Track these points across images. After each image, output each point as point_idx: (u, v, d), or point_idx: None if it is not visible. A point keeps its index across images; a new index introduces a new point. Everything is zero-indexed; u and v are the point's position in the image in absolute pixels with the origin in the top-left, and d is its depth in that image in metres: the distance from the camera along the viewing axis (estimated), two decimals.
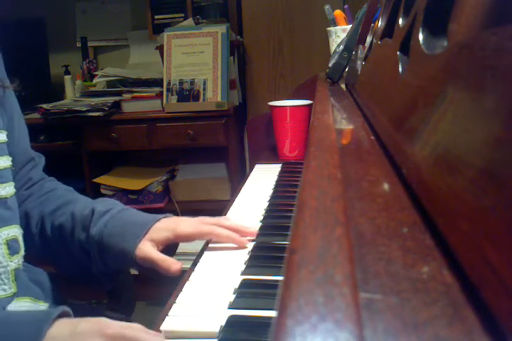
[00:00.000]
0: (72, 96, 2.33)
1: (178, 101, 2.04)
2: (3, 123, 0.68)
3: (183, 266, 0.64)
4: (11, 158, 0.67)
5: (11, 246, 0.63)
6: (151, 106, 2.11)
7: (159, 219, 0.68)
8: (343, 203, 0.31)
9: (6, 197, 0.63)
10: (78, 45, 2.53)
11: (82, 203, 0.73)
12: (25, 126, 0.78)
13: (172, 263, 0.63)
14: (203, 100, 2.02)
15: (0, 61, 0.72)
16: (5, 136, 0.67)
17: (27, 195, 0.75)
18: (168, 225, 0.67)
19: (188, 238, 0.67)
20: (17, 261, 0.64)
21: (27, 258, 0.68)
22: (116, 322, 0.49)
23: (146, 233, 0.66)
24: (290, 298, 0.22)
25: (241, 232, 0.68)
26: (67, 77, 2.44)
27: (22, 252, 0.65)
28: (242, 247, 0.66)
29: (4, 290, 0.61)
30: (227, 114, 2.02)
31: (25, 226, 0.71)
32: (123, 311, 0.83)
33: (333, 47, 1.37)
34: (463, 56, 0.28)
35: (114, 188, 2.12)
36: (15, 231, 0.64)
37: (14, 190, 0.66)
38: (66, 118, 2.00)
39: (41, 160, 0.82)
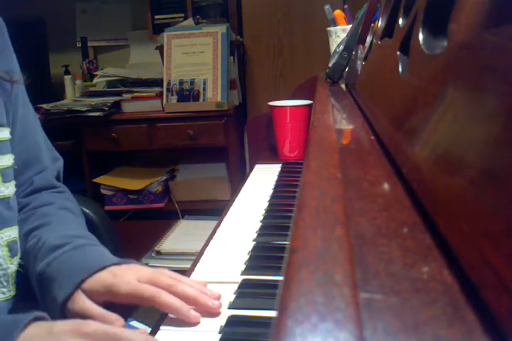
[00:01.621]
0: (72, 96, 2.33)
1: (178, 101, 2.04)
2: (8, 119, 0.66)
3: (183, 266, 0.63)
4: (13, 156, 0.65)
5: (12, 248, 0.62)
6: (151, 106, 2.11)
7: (105, 267, 0.55)
8: (343, 203, 0.31)
9: (8, 197, 0.62)
10: (78, 45, 2.54)
11: (52, 227, 0.65)
12: (38, 125, 0.75)
13: (115, 320, 0.52)
14: (203, 100, 2.02)
15: (10, 53, 0.70)
16: (8, 133, 0.65)
17: (24, 204, 0.70)
18: (106, 280, 0.53)
19: (126, 300, 0.52)
20: (16, 263, 0.63)
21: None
22: (95, 321, 0.48)
23: (81, 283, 0.54)
24: (290, 298, 0.22)
25: (199, 304, 0.50)
26: (67, 77, 2.44)
27: (19, 254, 0.64)
28: (191, 323, 0.49)
29: (3, 293, 0.61)
30: (227, 114, 2.03)
31: None
32: (123, 311, 0.82)
33: (333, 47, 1.37)
34: (463, 56, 0.28)
35: (114, 188, 2.12)
36: (15, 233, 0.63)
37: (15, 189, 0.65)
38: (66, 118, 2.01)
39: (56, 164, 0.77)
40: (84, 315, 0.52)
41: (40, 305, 0.67)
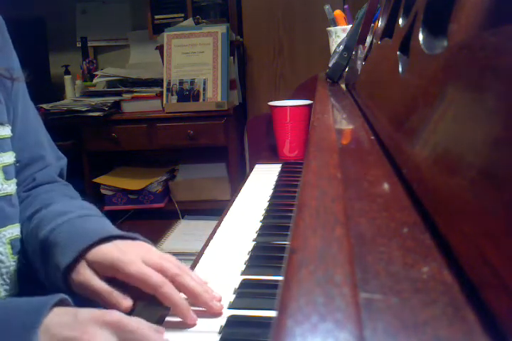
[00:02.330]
0: (72, 96, 2.33)
1: (178, 101, 2.04)
2: (9, 117, 0.66)
3: None
4: (15, 154, 0.65)
5: (14, 245, 0.62)
6: (151, 106, 2.11)
7: (110, 239, 0.53)
8: (343, 203, 0.31)
9: (10, 194, 0.62)
10: (78, 45, 2.54)
11: (56, 204, 0.64)
12: (40, 123, 0.75)
13: (123, 298, 0.49)
14: (203, 100, 2.02)
15: (10, 51, 0.70)
16: (9, 131, 0.65)
17: (24, 198, 0.69)
18: (112, 254, 0.51)
19: (129, 280, 0.50)
20: (19, 261, 0.63)
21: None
22: (119, 312, 0.46)
23: (85, 252, 0.51)
24: (290, 298, 0.22)
25: (201, 302, 0.50)
26: (67, 77, 2.44)
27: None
28: (188, 324, 0.48)
29: (6, 290, 0.61)
30: (227, 114, 2.03)
31: None
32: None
33: (333, 47, 1.37)
34: (463, 56, 0.28)
35: (114, 188, 2.12)
36: (17, 231, 0.63)
37: (16, 187, 0.65)
38: (66, 118, 2.01)
39: (60, 162, 0.77)
40: (88, 289, 0.50)
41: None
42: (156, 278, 0.49)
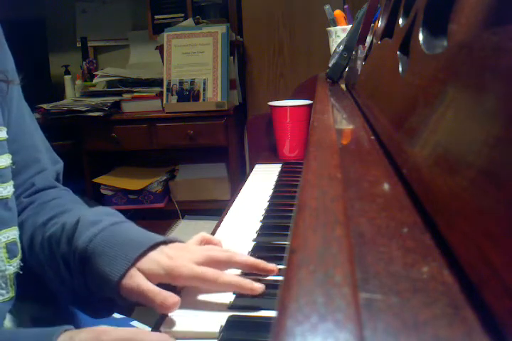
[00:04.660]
0: (72, 96, 2.34)
1: (178, 101, 2.04)
2: (4, 119, 0.65)
3: None
4: (11, 156, 0.64)
5: (10, 249, 0.61)
6: (151, 106, 2.11)
7: (156, 246, 0.55)
8: (343, 203, 0.31)
9: (7, 198, 0.61)
10: (78, 45, 2.54)
11: (78, 212, 0.63)
12: (35, 126, 0.74)
13: (168, 297, 0.50)
14: (203, 100, 2.02)
15: (5, 52, 0.68)
16: (5, 133, 0.63)
17: (27, 204, 0.68)
18: (164, 262, 0.53)
19: (186, 282, 0.53)
20: (15, 264, 0.61)
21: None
22: (115, 328, 0.47)
23: (136, 260, 0.53)
24: (290, 298, 0.22)
25: (260, 269, 0.55)
26: (67, 77, 2.45)
27: (20, 255, 0.63)
28: (258, 293, 0.52)
29: (2, 294, 0.60)
30: (227, 114, 2.03)
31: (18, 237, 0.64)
32: (123, 311, 0.82)
33: (333, 47, 1.37)
34: (463, 56, 0.28)
35: (114, 188, 2.12)
36: (14, 234, 0.62)
37: (13, 190, 0.63)
38: (66, 118, 2.01)
39: (56, 166, 0.75)
40: (137, 292, 0.51)
41: (40, 305, 0.66)
42: (211, 273, 0.52)
